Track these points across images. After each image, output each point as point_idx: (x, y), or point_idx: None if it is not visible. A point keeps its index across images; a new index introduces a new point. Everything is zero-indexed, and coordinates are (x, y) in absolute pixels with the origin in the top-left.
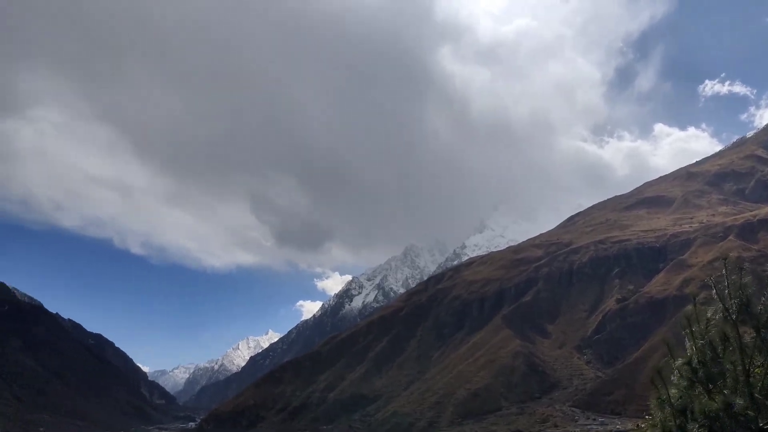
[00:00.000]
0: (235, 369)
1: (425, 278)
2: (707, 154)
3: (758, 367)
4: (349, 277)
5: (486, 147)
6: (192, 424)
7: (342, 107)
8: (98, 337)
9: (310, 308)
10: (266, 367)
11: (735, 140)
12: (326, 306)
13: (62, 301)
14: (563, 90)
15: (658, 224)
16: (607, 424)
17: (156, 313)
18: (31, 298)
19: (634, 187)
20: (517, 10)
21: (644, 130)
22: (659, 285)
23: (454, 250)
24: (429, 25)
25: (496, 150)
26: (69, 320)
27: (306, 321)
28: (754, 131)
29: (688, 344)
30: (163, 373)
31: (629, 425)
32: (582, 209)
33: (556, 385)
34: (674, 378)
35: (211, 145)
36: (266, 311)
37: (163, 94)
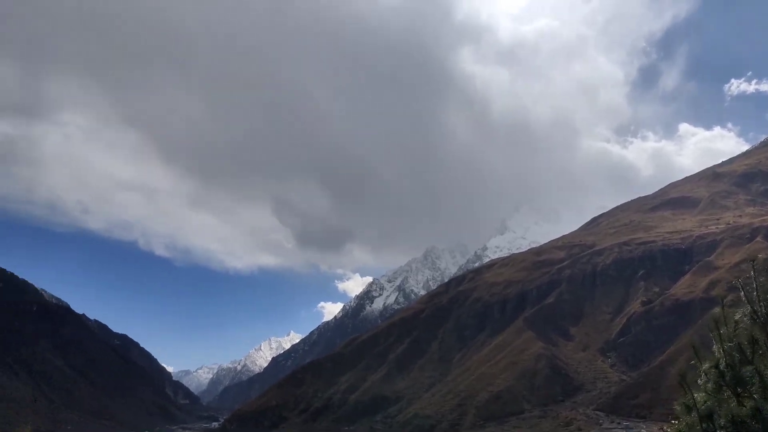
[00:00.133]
0: (257, 369)
1: (446, 280)
2: (733, 154)
3: None
4: (369, 279)
5: (507, 148)
6: (215, 424)
7: (362, 109)
8: (124, 338)
9: (331, 310)
10: (288, 368)
11: (762, 140)
12: (347, 307)
13: (89, 302)
14: (585, 90)
15: (684, 225)
16: (632, 428)
17: (180, 314)
18: (59, 300)
19: (659, 188)
20: (538, 10)
21: (669, 130)
22: (685, 287)
23: (475, 252)
24: (449, 27)
25: (517, 151)
26: (95, 321)
27: (327, 322)
28: None
29: (715, 347)
30: (187, 373)
31: (654, 429)
32: (605, 210)
33: (579, 389)
34: (701, 382)
35: (233, 149)
36: (288, 312)
37: (187, 99)
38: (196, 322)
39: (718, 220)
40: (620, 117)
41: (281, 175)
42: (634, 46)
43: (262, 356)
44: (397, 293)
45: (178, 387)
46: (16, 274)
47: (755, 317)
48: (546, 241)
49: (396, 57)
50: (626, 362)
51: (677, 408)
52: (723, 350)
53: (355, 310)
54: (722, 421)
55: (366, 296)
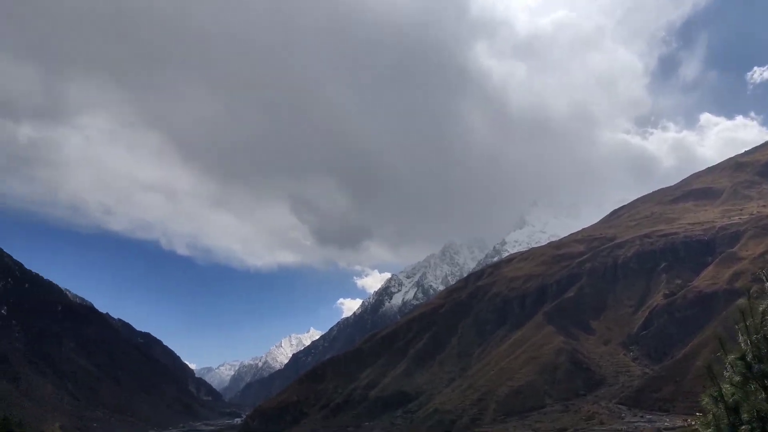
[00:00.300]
0: (278, 366)
1: (465, 275)
2: (757, 143)
3: None
4: (388, 275)
5: (525, 142)
6: (238, 421)
7: (379, 106)
8: (147, 336)
9: (350, 306)
10: (308, 364)
11: None
12: (366, 304)
13: (112, 301)
14: (604, 82)
15: (706, 217)
16: (655, 422)
17: (202, 312)
18: (83, 299)
19: (681, 179)
20: (555, 1)
21: (690, 120)
22: (708, 279)
23: (494, 247)
24: (464, 21)
25: (536, 145)
26: (119, 320)
27: (347, 319)
28: None
29: (741, 339)
30: (209, 370)
31: (678, 422)
32: (626, 203)
33: (601, 382)
34: (727, 374)
35: (252, 148)
36: (307, 309)
37: (205, 99)
38: (218, 319)
39: (741, 210)
40: (640, 108)
41: (299, 174)
42: (653, 36)
43: (283, 353)
44: (415, 289)
45: (201, 384)
46: (40, 274)
47: None
48: (565, 234)
49: (412, 53)
50: (649, 355)
51: (704, 400)
52: (750, 341)
53: (374, 306)
54: (745, 416)
55: (385, 292)
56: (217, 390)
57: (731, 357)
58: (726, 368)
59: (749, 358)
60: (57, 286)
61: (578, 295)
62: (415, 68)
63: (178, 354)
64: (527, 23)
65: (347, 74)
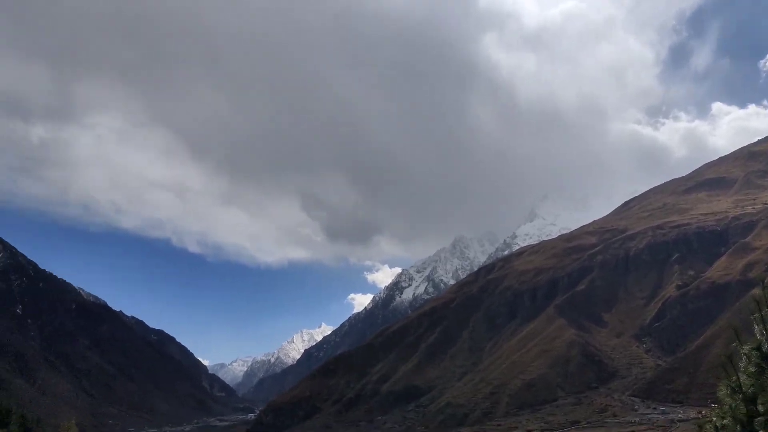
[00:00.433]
0: (290, 361)
1: (475, 269)
2: None
3: None
4: (398, 270)
5: (534, 134)
6: (251, 416)
7: (387, 101)
8: (160, 333)
9: (361, 301)
10: (320, 360)
11: None
12: (377, 299)
13: (125, 299)
14: (614, 72)
15: (719, 207)
16: (668, 414)
17: (214, 308)
18: (96, 298)
19: (693, 170)
20: None
21: (702, 110)
22: (721, 270)
23: (504, 240)
24: (472, 14)
25: (545, 137)
26: (132, 317)
27: (358, 314)
28: None
29: (757, 329)
30: (222, 366)
31: (692, 414)
32: (637, 194)
33: (614, 375)
34: (743, 364)
35: (261, 146)
36: (319, 305)
37: (214, 98)
38: (230, 316)
39: (754, 200)
40: (651, 98)
41: (308, 170)
42: (663, 25)
43: (295, 348)
44: (426, 283)
45: (214, 380)
46: (54, 273)
47: None
48: (576, 227)
49: (420, 48)
50: (662, 347)
51: (722, 390)
52: (765, 332)
53: (385, 301)
54: (761, 407)
55: (395, 287)
56: (230, 386)
57: (747, 347)
58: (742, 359)
59: (765, 348)
60: (70, 284)
61: (590, 287)
62: (424, 63)
63: (191, 351)
64: (536, 14)
65: (355, 70)
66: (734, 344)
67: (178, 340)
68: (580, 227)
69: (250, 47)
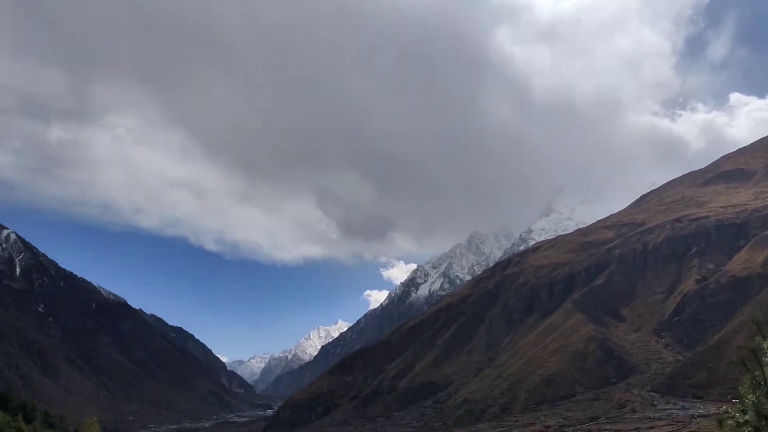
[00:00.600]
0: (307, 358)
1: (491, 265)
2: None
3: None
4: (414, 266)
5: (550, 128)
6: (270, 412)
7: (401, 96)
8: (179, 331)
9: (377, 298)
10: (337, 356)
11: None
12: (393, 295)
13: (144, 297)
14: (630, 64)
15: (739, 199)
16: (688, 409)
17: (232, 305)
18: (116, 296)
19: (711, 162)
20: None
21: (719, 101)
22: (741, 263)
23: (520, 235)
24: (486, 7)
25: (561, 131)
26: (152, 315)
27: (374, 310)
28: None
29: None
30: (240, 362)
31: (712, 409)
32: (654, 187)
33: (633, 370)
34: (766, 359)
35: (276, 143)
36: (335, 301)
37: (230, 97)
38: (247, 313)
39: None
40: (668, 89)
41: (323, 167)
42: (679, 15)
43: (312, 345)
44: (442, 279)
45: (233, 376)
46: (75, 273)
47: None
48: (593, 221)
49: (434, 43)
50: (681, 342)
51: (745, 384)
52: None
53: (401, 297)
54: None
55: (411, 283)
56: (249, 382)
57: None
58: (765, 353)
59: None
60: (91, 283)
61: (607, 282)
62: (437, 58)
63: (209, 347)
64: (550, 7)
65: (368, 65)
66: (756, 338)
67: (196, 337)
68: (597, 221)
69: (264, 46)
